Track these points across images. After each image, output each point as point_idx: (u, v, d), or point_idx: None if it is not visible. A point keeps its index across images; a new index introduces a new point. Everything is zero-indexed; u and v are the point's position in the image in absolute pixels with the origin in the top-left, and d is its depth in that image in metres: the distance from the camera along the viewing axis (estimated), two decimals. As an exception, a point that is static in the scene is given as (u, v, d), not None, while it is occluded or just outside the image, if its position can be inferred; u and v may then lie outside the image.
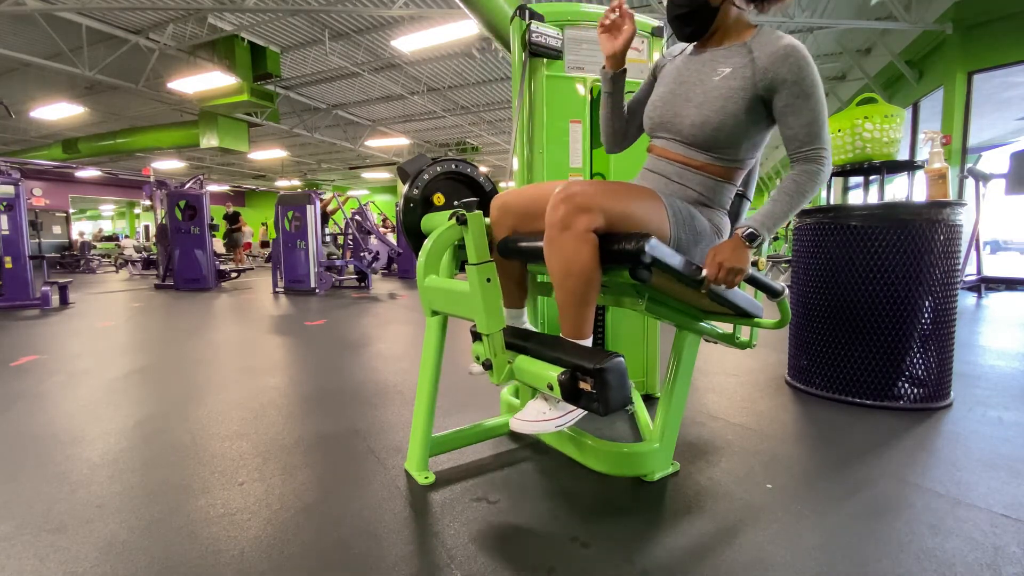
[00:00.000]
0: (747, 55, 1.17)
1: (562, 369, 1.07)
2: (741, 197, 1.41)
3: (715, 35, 1.25)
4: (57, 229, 16.80)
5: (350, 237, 7.62)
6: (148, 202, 9.46)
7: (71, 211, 18.13)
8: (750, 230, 1.11)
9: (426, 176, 1.55)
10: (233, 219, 12.14)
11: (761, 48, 1.15)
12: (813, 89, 1.12)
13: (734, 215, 1.51)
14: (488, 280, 1.18)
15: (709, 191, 1.25)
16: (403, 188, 1.58)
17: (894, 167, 2.58)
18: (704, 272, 1.11)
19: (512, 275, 1.42)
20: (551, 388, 1.09)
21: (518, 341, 1.24)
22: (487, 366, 1.23)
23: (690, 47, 1.32)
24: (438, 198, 1.58)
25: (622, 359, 1.03)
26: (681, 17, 1.23)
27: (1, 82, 8.87)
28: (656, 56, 1.96)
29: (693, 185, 1.25)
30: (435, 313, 1.39)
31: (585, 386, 1.03)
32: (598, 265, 1.10)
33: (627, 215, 1.12)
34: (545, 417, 1.13)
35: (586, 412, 1.11)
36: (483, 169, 1.59)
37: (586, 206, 1.06)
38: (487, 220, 1.35)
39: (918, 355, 1.90)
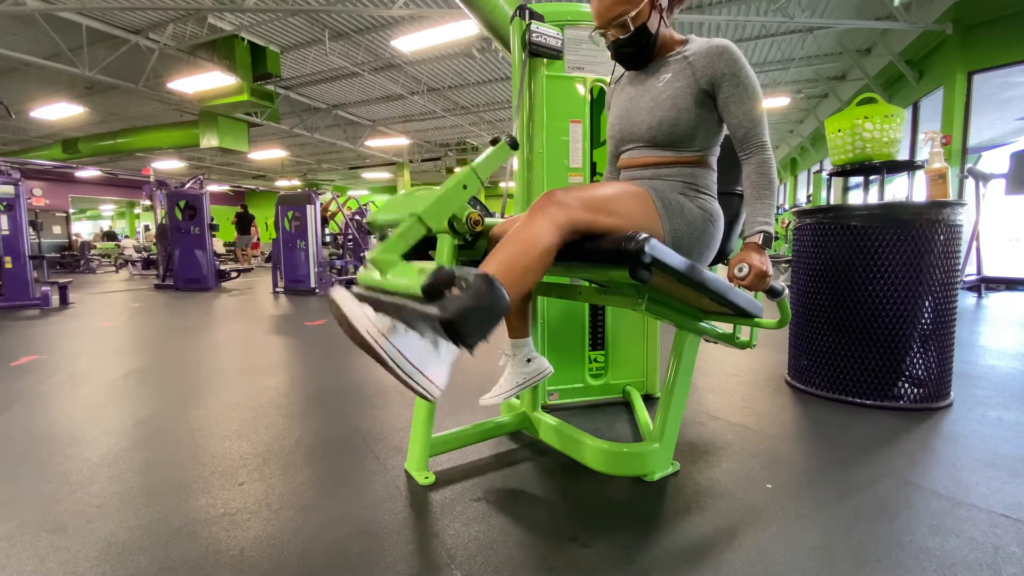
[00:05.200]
0: (683, 60, 1.28)
1: (448, 266, 0.94)
2: (740, 197, 1.41)
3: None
4: (57, 229, 16.80)
5: (350, 237, 7.62)
6: (148, 202, 9.48)
7: (71, 211, 18.12)
8: (763, 233, 1.18)
9: None
10: (246, 221, 12.23)
11: (695, 52, 1.26)
12: (749, 80, 1.22)
13: (734, 215, 1.51)
14: (464, 187, 1.10)
15: (689, 177, 1.30)
16: None
17: (894, 167, 2.58)
18: (741, 282, 1.13)
19: (512, 306, 1.43)
20: (422, 272, 0.93)
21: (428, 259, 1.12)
22: (372, 260, 1.06)
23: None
24: None
25: (507, 299, 0.90)
26: (628, 55, 1.31)
27: (1, 82, 8.87)
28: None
29: (672, 176, 1.29)
30: (377, 228, 1.22)
31: (456, 292, 0.89)
32: (545, 261, 1.04)
33: (611, 209, 1.13)
34: (377, 323, 0.90)
35: (410, 367, 0.89)
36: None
37: (564, 202, 1.07)
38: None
39: (918, 355, 1.90)
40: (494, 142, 1.18)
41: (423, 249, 1.32)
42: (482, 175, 1.14)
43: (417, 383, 0.90)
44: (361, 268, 1.19)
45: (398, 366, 0.89)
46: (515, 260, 1.00)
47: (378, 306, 0.98)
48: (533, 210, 1.07)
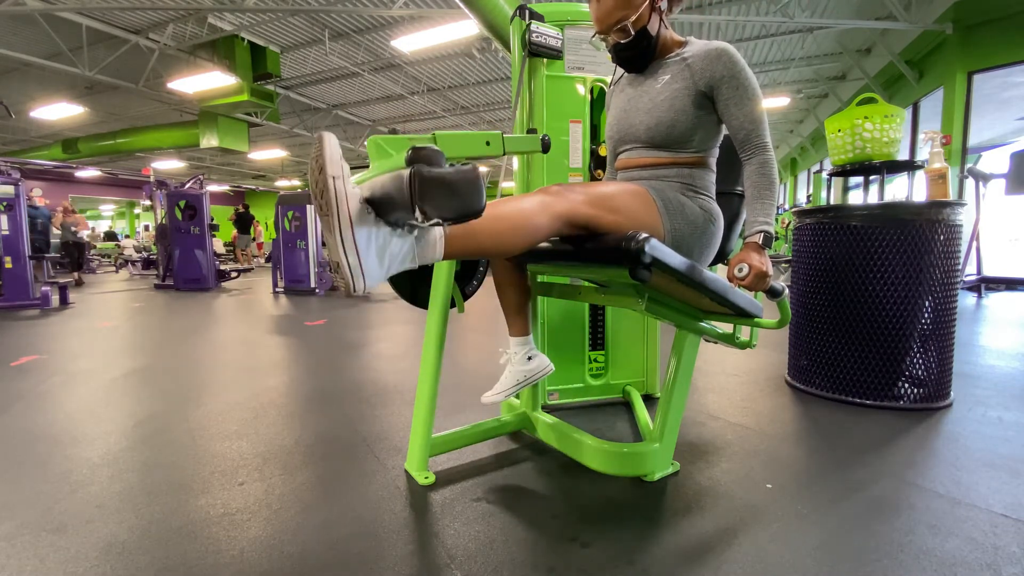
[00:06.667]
0: (682, 62, 1.28)
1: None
2: (740, 197, 1.41)
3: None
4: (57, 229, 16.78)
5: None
6: (148, 202, 9.49)
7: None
8: (763, 233, 1.17)
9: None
10: (246, 220, 12.22)
11: (694, 55, 1.26)
12: (748, 82, 1.22)
13: (734, 215, 1.51)
14: (488, 143, 1.10)
15: (688, 178, 1.30)
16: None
17: (894, 167, 2.58)
18: (741, 283, 1.14)
19: (513, 304, 1.44)
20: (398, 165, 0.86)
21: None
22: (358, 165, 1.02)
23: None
24: None
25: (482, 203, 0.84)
26: (629, 57, 1.31)
27: (1, 82, 8.87)
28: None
29: (670, 177, 1.29)
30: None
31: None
32: (536, 235, 1.03)
33: (612, 206, 1.13)
34: (348, 181, 0.83)
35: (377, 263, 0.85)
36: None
37: (565, 194, 1.08)
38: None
39: (918, 355, 1.90)
40: (531, 131, 1.17)
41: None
42: (508, 147, 1.13)
43: (349, 263, 0.83)
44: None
45: (342, 234, 0.81)
46: (501, 217, 1.00)
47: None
48: (533, 193, 1.08)
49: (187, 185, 7.67)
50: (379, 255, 0.86)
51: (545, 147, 1.19)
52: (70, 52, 7.07)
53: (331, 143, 0.81)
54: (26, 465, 1.53)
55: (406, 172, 0.80)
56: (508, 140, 1.14)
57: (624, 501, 1.28)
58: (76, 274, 8.07)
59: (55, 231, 7.97)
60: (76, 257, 8.16)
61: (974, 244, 5.48)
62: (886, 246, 1.89)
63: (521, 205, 1.03)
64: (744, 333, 1.45)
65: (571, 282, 1.78)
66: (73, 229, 8.04)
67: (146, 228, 16.99)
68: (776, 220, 4.12)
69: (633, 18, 1.23)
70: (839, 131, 2.45)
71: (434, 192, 0.79)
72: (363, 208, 0.84)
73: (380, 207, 0.86)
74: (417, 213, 0.81)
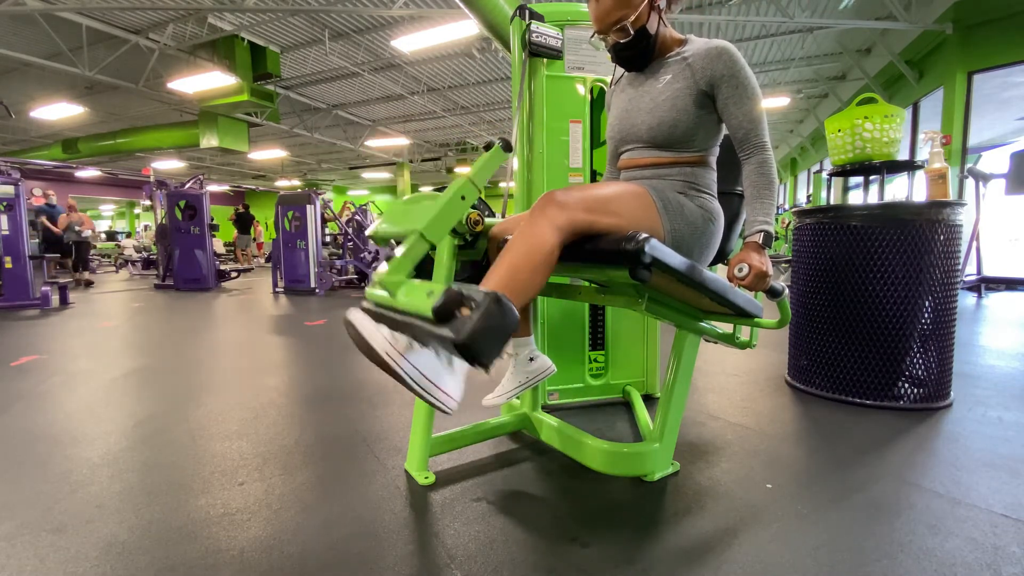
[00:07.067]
0: (682, 61, 1.28)
1: (455, 286, 0.93)
2: (741, 197, 1.41)
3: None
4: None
5: (349, 238, 7.62)
6: (148, 202, 9.48)
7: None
8: (763, 232, 1.17)
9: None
10: (246, 220, 12.20)
11: (694, 53, 1.26)
12: (748, 81, 1.22)
13: (734, 215, 1.51)
14: (463, 198, 1.10)
15: (690, 176, 1.30)
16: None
17: (894, 167, 2.58)
18: (741, 282, 1.13)
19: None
20: (431, 295, 0.93)
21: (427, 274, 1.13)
22: (381, 282, 1.07)
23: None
24: None
25: (517, 316, 0.90)
26: (629, 57, 1.32)
27: (1, 82, 8.88)
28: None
29: (672, 176, 1.30)
30: (380, 240, 1.25)
31: (465, 311, 0.89)
32: (548, 263, 1.05)
33: (611, 209, 1.13)
34: (394, 343, 0.93)
35: (427, 382, 0.92)
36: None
37: (565, 205, 1.08)
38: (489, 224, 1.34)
39: (918, 355, 1.90)
40: (488, 147, 1.17)
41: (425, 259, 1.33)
42: (479, 183, 1.14)
43: (435, 398, 0.93)
44: (368, 285, 1.20)
45: (416, 383, 0.92)
46: (519, 269, 1.02)
47: (393, 325, 1.00)
48: (533, 213, 1.08)
49: (187, 185, 7.68)
50: (442, 369, 0.95)
51: (507, 148, 1.18)
52: (70, 52, 7.07)
53: (363, 326, 0.93)
54: (26, 465, 1.53)
55: (447, 336, 0.87)
56: (476, 175, 1.14)
57: (624, 501, 1.28)
58: (86, 274, 8.03)
59: (55, 230, 7.93)
60: (81, 257, 8.13)
61: (974, 244, 5.48)
62: (886, 246, 1.89)
63: (529, 243, 1.04)
64: (744, 333, 1.45)
65: (571, 282, 1.78)
66: (77, 228, 7.99)
67: (146, 228, 16.99)
68: (776, 220, 4.11)
69: (632, 17, 1.23)
70: (839, 131, 2.45)
71: (483, 349, 0.86)
72: (413, 344, 0.95)
73: (425, 342, 0.95)
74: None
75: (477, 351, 0.85)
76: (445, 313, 0.89)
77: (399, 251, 1.08)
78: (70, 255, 8.04)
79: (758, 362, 2.68)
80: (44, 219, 7.88)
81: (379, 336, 0.93)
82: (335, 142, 12.79)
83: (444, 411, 0.94)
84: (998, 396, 2.05)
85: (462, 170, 15.73)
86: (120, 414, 1.97)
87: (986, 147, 9.58)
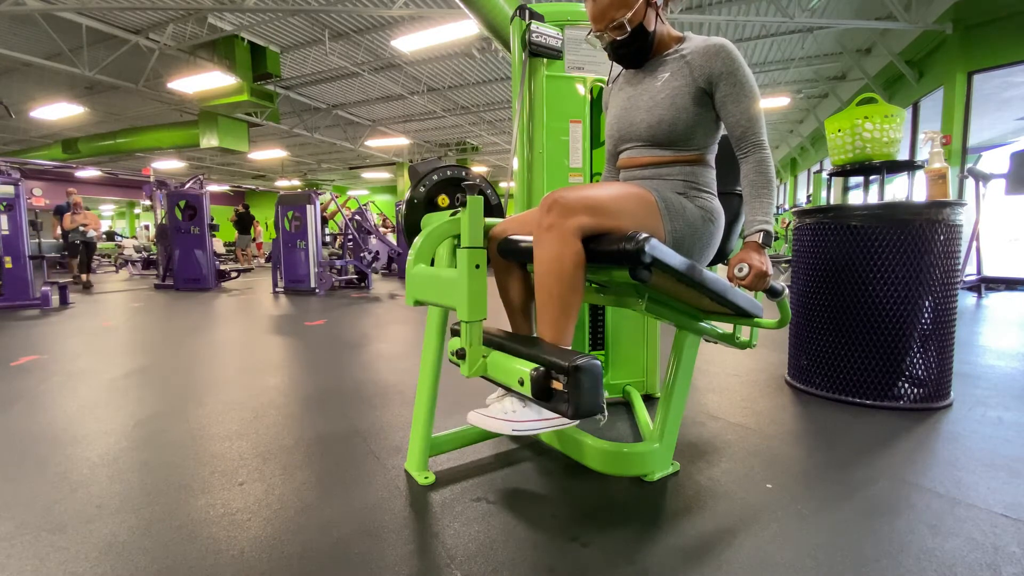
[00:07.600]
0: (681, 59, 1.28)
1: (535, 365, 1.04)
2: (741, 197, 1.41)
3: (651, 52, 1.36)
4: (58, 229, 16.78)
5: (349, 238, 7.62)
6: (148, 202, 9.45)
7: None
8: (762, 232, 1.17)
9: (435, 177, 1.55)
10: (246, 220, 12.19)
11: (693, 51, 1.26)
12: (746, 79, 1.22)
13: (734, 215, 1.51)
14: (477, 267, 1.15)
15: (690, 176, 1.30)
16: (409, 188, 1.58)
17: (894, 167, 2.58)
18: (741, 282, 1.14)
19: (515, 304, 1.44)
20: (522, 384, 1.05)
21: (496, 338, 1.22)
22: (460, 355, 1.20)
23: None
24: (443, 199, 1.58)
25: (599, 363, 1.00)
26: (627, 55, 1.32)
27: (1, 82, 8.88)
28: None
29: (672, 175, 1.30)
30: (418, 303, 1.35)
31: (557, 385, 1.00)
32: (581, 271, 1.11)
33: (615, 211, 1.14)
34: (507, 417, 1.09)
35: (551, 423, 1.07)
36: (483, 169, 1.59)
37: (571, 208, 1.09)
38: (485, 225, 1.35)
39: (918, 355, 1.90)
40: (463, 204, 1.17)
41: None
42: (479, 241, 1.16)
43: (551, 427, 1.08)
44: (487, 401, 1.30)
45: (536, 431, 1.09)
46: (562, 297, 1.11)
47: (508, 391, 1.15)
48: (544, 229, 1.10)
49: (187, 185, 7.67)
50: (540, 408, 1.08)
51: (479, 192, 1.20)
52: (70, 52, 7.07)
53: (485, 423, 1.09)
54: (26, 465, 1.53)
55: (560, 415, 1.03)
56: (472, 237, 1.16)
57: (624, 501, 1.28)
58: (84, 276, 7.81)
59: (57, 230, 7.81)
60: (86, 258, 7.95)
61: (974, 244, 5.48)
62: (886, 246, 1.89)
63: (561, 264, 1.10)
64: (744, 333, 1.45)
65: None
66: (82, 228, 7.85)
67: (146, 228, 16.99)
68: (776, 220, 4.11)
69: (629, 15, 1.23)
70: (839, 131, 2.45)
71: (590, 410, 1.00)
72: (513, 402, 1.12)
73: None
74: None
75: (589, 415, 1.00)
76: (543, 395, 1.03)
77: (461, 340, 1.21)
78: (75, 256, 7.88)
79: (758, 362, 2.68)
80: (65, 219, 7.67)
81: (503, 423, 1.08)
82: (335, 142, 12.80)
83: (562, 425, 1.08)
84: (998, 396, 2.05)
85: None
86: (120, 414, 1.97)
87: (986, 147, 9.58)
